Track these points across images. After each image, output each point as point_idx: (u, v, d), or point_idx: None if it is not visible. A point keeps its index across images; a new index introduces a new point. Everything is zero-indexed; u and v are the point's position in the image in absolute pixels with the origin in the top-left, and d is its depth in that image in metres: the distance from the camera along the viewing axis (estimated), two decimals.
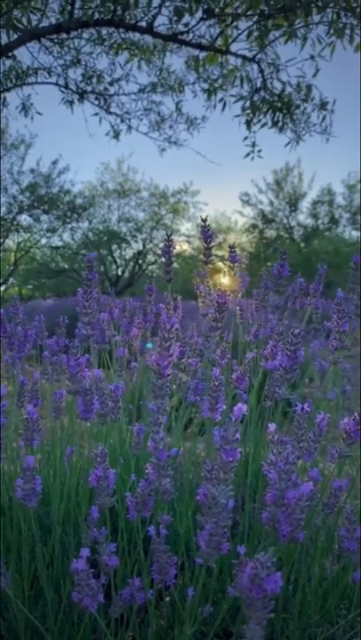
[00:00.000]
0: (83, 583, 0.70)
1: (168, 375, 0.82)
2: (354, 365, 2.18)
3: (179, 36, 4.09)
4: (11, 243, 16.72)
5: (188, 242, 18.35)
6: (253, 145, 4.59)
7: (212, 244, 1.37)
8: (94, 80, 4.87)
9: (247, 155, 4.62)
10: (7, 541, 1.23)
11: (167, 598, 1.18)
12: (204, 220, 1.35)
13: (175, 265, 1.38)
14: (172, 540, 1.27)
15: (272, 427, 0.88)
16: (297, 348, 0.95)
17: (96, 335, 1.52)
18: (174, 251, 1.36)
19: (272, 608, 0.50)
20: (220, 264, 1.63)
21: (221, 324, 1.16)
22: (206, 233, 1.35)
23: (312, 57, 3.89)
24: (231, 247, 1.48)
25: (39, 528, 1.20)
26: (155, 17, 3.95)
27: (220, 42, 4.14)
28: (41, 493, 0.90)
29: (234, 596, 0.78)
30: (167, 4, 3.80)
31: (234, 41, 4.09)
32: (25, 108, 4.81)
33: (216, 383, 1.02)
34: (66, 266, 18.62)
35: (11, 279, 17.47)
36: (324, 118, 4.40)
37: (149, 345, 1.79)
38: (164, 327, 0.78)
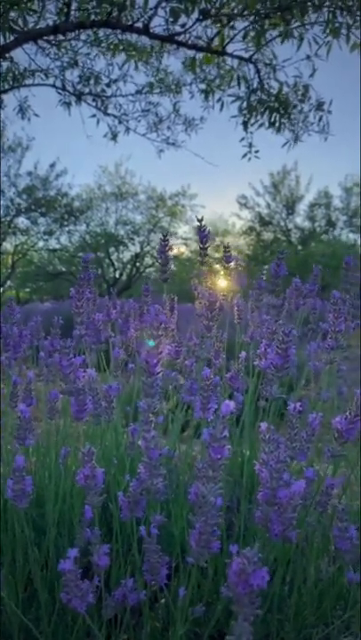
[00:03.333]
0: (71, 584, 0.70)
1: (158, 373, 0.81)
2: (353, 366, 2.18)
3: (175, 37, 4.10)
4: (8, 245, 16.71)
5: (186, 244, 18.36)
6: (250, 146, 4.60)
7: (208, 245, 1.37)
8: (91, 81, 4.87)
9: (244, 155, 4.63)
10: (1, 543, 1.23)
11: (162, 600, 1.17)
12: (199, 221, 1.35)
13: (172, 267, 1.38)
14: (166, 541, 1.27)
15: (263, 425, 0.87)
16: (288, 346, 0.95)
17: (90, 335, 1.52)
18: (171, 252, 1.35)
19: (260, 604, 0.50)
20: (217, 265, 1.63)
21: (213, 324, 1.16)
22: (202, 233, 1.35)
23: (308, 57, 3.91)
24: (226, 248, 1.48)
25: (33, 530, 1.19)
26: (151, 18, 3.95)
27: (216, 42, 4.14)
28: (35, 495, 0.89)
29: (227, 597, 0.77)
30: (163, 4, 3.80)
31: (230, 41, 4.10)
32: (22, 110, 4.81)
33: (208, 383, 1.01)
34: (63, 269, 18.61)
35: (8, 282, 17.45)
36: (321, 118, 4.41)
37: (151, 343, 1.78)
38: (153, 326, 0.78)
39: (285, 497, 0.72)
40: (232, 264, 1.44)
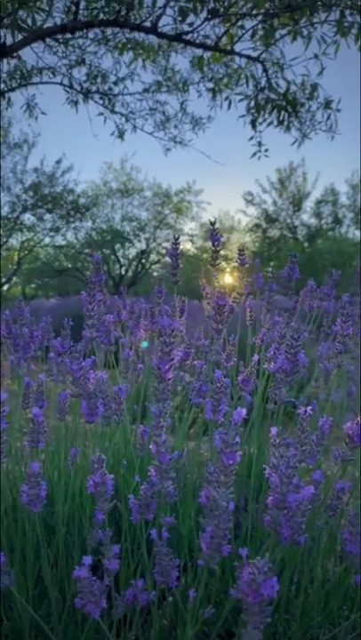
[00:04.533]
0: (85, 590, 0.71)
1: (169, 379, 0.82)
2: (356, 366, 2.18)
3: (183, 36, 4.09)
4: (14, 242, 16.77)
5: (192, 241, 18.37)
6: (260, 145, 4.59)
7: (220, 248, 1.38)
8: (99, 80, 4.87)
9: (254, 154, 4.62)
10: (11, 541, 1.24)
11: (170, 598, 1.19)
12: (212, 224, 1.36)
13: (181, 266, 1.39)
14: (174, 540, 1.28)
15: (273, 430, 0.88)
16: (297, 351, 0.96)
17: (102, 337, 1.53)
18: (181, 254, 1.36)
19: (270, 613, 0.51)
20: (225, 264, 1.64)
21: (223, 326, 1.17)
22: (215, 236, 1.36)
23: (316, 56, 3.89)
24: (240, 250, 1.48)
25: (43, 528, 1.21)
26: (159, 17, 3.95)
27: (224, 41, 4.14)
28: (45, 495, 0.90)
29: (236, 597, 0.79)
30: (172, 4, 3.80)
31: (238, 40, 4.09)
32: (29, 108, 4.82)
33: (218, 385, 1.02)
34: (69, 265, 18.66)
35: (14, 278, 17.51)
36: (329, 117, 4.39)
37: (144, 344, 1.80)
38: (164, 331, 0.79)
39: (295, 502, 0.73)
40: (246, 266, 1.45)
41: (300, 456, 0.98)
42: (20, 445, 1.60)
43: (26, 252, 17.09)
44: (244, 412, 0.68)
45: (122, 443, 1.58)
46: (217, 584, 1.15)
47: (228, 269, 1.58)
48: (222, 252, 1.44)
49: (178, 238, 1.34)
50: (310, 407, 0.99)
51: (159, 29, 4.03)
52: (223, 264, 1.54)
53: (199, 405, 1.42)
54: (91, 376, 1.15)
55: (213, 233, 1.35)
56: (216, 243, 1.35)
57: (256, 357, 1.40)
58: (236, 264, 1.49)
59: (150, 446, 0.81)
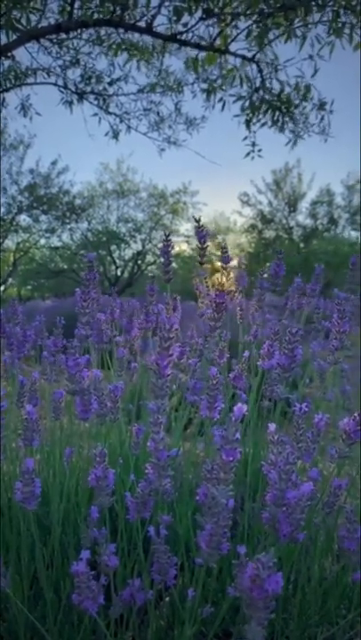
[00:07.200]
0: (83, 585, 0.70)
1: (168, 375, 0.81)
2: (354, 365, 2.18)
3: (178, 36, 4.09)
4: (10, 243, 16.72)
5: (188, 242, 18.35)
6: (253, 144, 4.60)
7: (206, 245, 1.37)
8: (93, 80, 4.87)
9: (247, 154, 4.63)
10: (7, 542, 1.23)
11: (167, 598, 1.18)
12: (197, 221, 1.36)
13: (174, 265, 1.38)
14: (171, 540, 1.27)
15: (272, 427, 0.87)
16: (295, 346, 0.95)
17: (95, 335, 1.52)
18: (173, 251, 1.36)
19: (273, 608, 0.50)
20: (218, 264, 1.63)
21: (219, 324, 1.16)
22: (200, 233, 1.36)
23: (311, 57, 3.90)
24: (223, 248, 1.48)
25: (38, 528, 1.20)
26: (154, 17, 3.95)
27: (219, 42, 4.14)
28: (40, 494, 0.89)
29: (234, 596, 0.78)
30: (166, 3, 3.80)
31: (233, 41, 4.10)
32: (24, 109, 4.81)
33: (214, 382, 1.01)
34: (65, 266, 18.61)
35: (10, 279, 17.46)
36: (322, 118, 4.40)
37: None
38: (163, 327, 0.78)
39: (294, 498, 0.73)
40: (231, 264, 1.45)
41: (297, 453, 0.97)
42: (14, 446, 1.59)
43: (21, 253, 17.04)
44: (244, 407, 0.68)
45: (117, 442, 1.57)
46: (214, 583, 1.14)
47: (219, 268, 1.58)
48: (218, 253, 1.44)
49: (168, 235, 1.33)
50: (305, 404, 0.98)
51: (154, 29, 4.03)
52: (217, 263, 1.53)
53: (194, 405, 1.41)
54: (86, 374, 1.14)
55: (199, 230, 1.35)
56: (202, 240, 1.35)
57: (247, 354, 1.39)
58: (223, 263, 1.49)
59: (148, 443, 0.80)
